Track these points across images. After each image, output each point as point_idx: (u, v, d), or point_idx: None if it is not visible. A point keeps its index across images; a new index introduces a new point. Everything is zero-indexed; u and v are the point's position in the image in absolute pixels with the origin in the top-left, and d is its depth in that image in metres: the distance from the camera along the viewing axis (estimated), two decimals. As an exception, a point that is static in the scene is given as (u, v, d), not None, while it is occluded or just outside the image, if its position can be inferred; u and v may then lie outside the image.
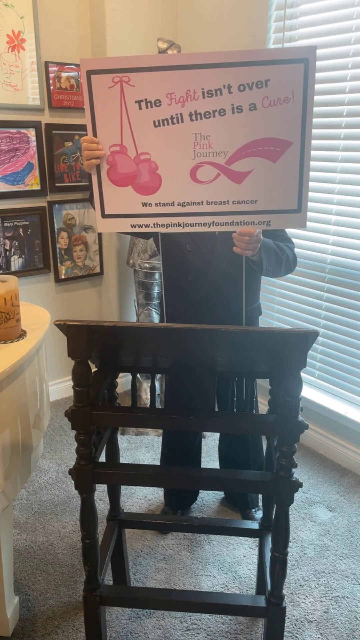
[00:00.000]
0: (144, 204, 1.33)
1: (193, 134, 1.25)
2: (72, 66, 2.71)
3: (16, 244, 2.77)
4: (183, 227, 1.36)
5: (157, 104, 1.24)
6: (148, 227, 1.37)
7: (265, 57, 1.20)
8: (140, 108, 1.24)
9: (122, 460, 2.51)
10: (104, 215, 1.37)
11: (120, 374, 3.04)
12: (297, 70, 1.20)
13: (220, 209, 1.33)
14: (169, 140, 1.26)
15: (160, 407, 2.77)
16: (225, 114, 1.22)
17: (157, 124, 1.25)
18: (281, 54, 1.20)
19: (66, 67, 2.69)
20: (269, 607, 1.42)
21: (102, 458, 1.55)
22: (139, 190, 1.32)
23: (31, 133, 2.67)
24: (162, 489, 2.30)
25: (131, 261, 2.76)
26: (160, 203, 1.33)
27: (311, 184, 2.47)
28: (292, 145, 1.27)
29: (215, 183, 1.29)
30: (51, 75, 2.65)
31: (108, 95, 1.27)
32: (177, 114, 1.23)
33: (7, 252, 2.75)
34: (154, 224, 1.36)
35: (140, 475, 1.40)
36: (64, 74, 2.70)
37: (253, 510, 2.21)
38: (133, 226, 1.37)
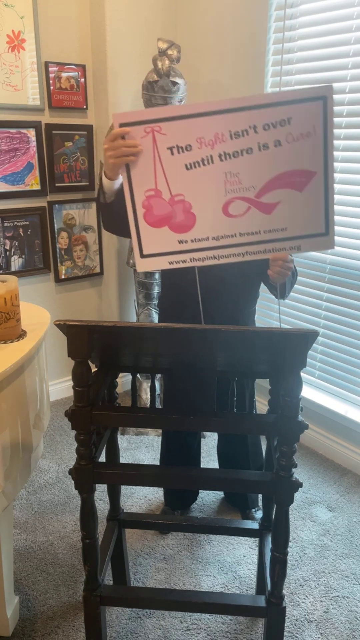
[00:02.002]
0: (180, 242, 1.41)
1: (223, 172, 1.34)
2: (72, 66, 2.71)
3: (16, 244, 2.77)
4: (218, 259, 1.43)
5: (188, 149, 1.32)
6: (185, 262, 1.43)
7: (287, 98, 1.29)
8: (172, 154, 1.33)
9: (122, 460, 2.51)
10: (142, 256, 1.44)
11: (120, 374, 3.04)
12: (316, 107, 1.30)
13: (253, 239, 1.40)
14: (201, 181, 1.35)
15: (160, 407, 2.77)
16: (253, 152, 1.32)
17: (188, 166, 1.34)
18: (301, 94, 1.29)
19: (66, 67, 2.69)
20: (269, 607, 1.42)
21: (102, 458, 1.55)
22: (174, 229, 1.39)
23: (31, 133, 2.67)
24: (162, 489, 2.30)
25: (131, 261, 2.76)
26: (195, 239, 1.40)
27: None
28: (316, 174, 1.35)
29: (246, 216, 1.37)
30: (51, 75, 2.65)
31: (141, 145, 1.34)
32: (207, 156, 1.33)
33: (7, 252, 2.76)
34: (190, 259, 1.42)
35: (140, 475, 1.40)
36: (64, 74, 2.70)
37: (253, 510, 2.21)
38: (170, 263, 1.43)
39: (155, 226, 1.39)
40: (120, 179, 1.40)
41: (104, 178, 1.46)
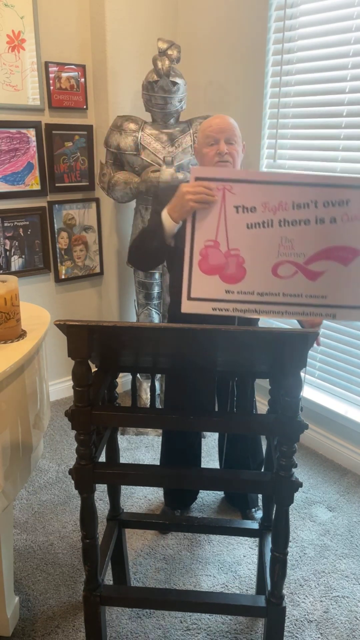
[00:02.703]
0: (227, 291, 1.51)
1: (279, 237, 1.46)
2: (72, 66, 2.71)
3: (16, 244, 2.77)
4: (259, 313, 1.52)
5: (252, 210, 1.45)
6: (227, 311, 1.52)
7: (350, 183, 1.42)
8: (237, 212, 1.45)
9: (122, 460, 2.51)
10: (189, 298, 1.53)
11: (120, 374, 3.04)
12: None
13: (294, 301, 1.51)
14: (258, 240, 1.47)
15: (160, 407, 2.77)
16: (309, 224, 1.45)
17: (249, 226, 1.46)
18: None
19: (66, 67, 2.69)
20: (269, 607, 1.42)
21: (102, 458, 1.55)
22: (224, 279, 1.50)
23: (31, 133, 2.67)
24: (162, 489, 2.30)
25: (131, 261, 2.76)
26: (241, 291, 1.51)
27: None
28: None
29: (292, 279, 1.49)
30: (51, 75, 2.65)
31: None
32: (268, 220, 1.45)
33: (7, 252, 2.76)
34: (233, 309, 1.51)
35: (140, 475, 1.40)
36: (64, 74, 2.70)
37: (253, 510, 2.21)
38: (214, 309, 1.52)
39: (207, 273, 1.50)
40: (175, 225, 1.57)
41: (167, 220, 1.59)
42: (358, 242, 1.46)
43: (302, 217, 1.44)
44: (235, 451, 2.14)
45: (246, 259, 1.48)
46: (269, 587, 1.42)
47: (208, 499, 2.34)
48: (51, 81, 2.66)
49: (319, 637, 1.71)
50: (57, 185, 2.83)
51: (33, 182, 2.74)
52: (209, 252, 1.48)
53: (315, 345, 1.72)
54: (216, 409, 1.93)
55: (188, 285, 1.51)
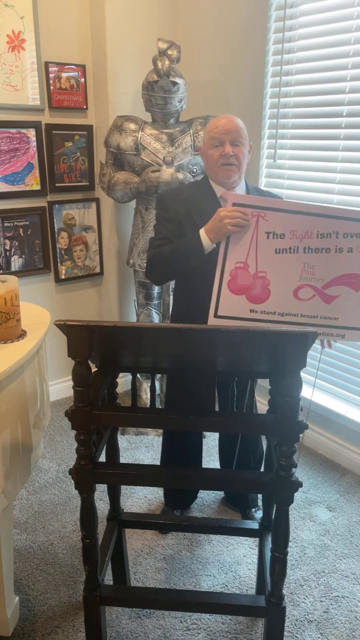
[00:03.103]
0: (252, 310, 1.64)
1: (303, 262, 1.60)
2: (72, 66, 2.71)
3: (16, 244, 2.77)
4: None
5: (282, 237, 1.58)
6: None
7: None
8: (267, 237, 1.58)
9: (122, 460, 2.51)
10: (215, 316, 1.64)
11: (120, 374, 3.04)
12: None
13: (310, 321, 1.66)
14: (284, 265, 1.60)
15: (160, 407, 2.77)
16: (330, 252, 1.59)
17: (277, 251, 1.59)
18: None
19: (66, 67, 2.69)
20: (269, 607, 1.42)
21: (102, 458, 1.55)
22: (250, 299, 1.63)
23: (31, 133, 2.67)
24: (162, 489, 2.30)
25: (131, 261, 2.76)
26: (264, 311, 1.64)
27: (311, 183, 2.47)
28: None
29: (310, 301, 1.64)
30: (51, 75, 2.65)
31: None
32: (295, 247, 1.59)
33: (7, 252, 2.76)
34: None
35: (140, 475, 1.40)
36: (64, 74, 2.70)
37: (253, 510, 2.21)
38: None
39: (235, 293, 1.63)
40: (211, 246, 1.66)
41: (205, 240, 1.67)
42: None
43: (324, 246, 1.59)
44: (235, 448, 2.14)
45: (272, 281, 1.61)
46: (269, 587, 1.42)
47: (208, 499, 2.34)
48: (51, 81, 2.66)
49: (319, 637, 1.71)
50: (57, 185, 2.83)
51: (33, 182, 2.74)
52: (239, 273, 1.61)
53: (327, 348, 1.79)
54: (217, 409, 1.93)
55: (216, 304, 1.63)
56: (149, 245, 1.84)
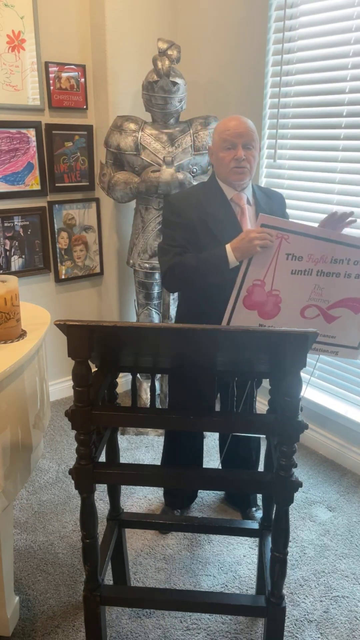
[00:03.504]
0: (260, 325, 1.72)
1: (314, 284, 1.69)
2: (72, 66, 2.71)
3: (16, 244, 2.77)
4: None
5: (299, 259, 1.66)
6: None
7: None
8: (287, 259, 1.66)
9: (122, 460, 2.51)
10: None
11: (120, 374, 3.04)
12: None
13: None
14: (297, 285, 1.69)
15: (160, 407, 2.77)
16: (339, 277, 1.69)
17: (293, 272, 1.67)
18: None
19: (66, 67, 2.69)
20: (269, 607, 1.42)
21: (102, 458, 1.55)
22: (261, 314, 1.71)
23: (31, 133, 2.67)
24: (162, 488, 2.30)
25: (131, 261, 2.76)
26: (272, 327, 1.65)
27: (311, 183, 2.48)
28: None
29: (314, 320, 1.73)
30: (51, 75, 2.65)
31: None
32: (309, 269, 1.67)
33: (7, 252, 2.76)
34: None
35: (140, 475, 1.40)
36: (64, 74, 2.70)
37: (253, 509, 2.21)
38: None
39: (248, 308, 1.70)
40: (236, 263, 1.69)
41: (230, 257, 1.70)
42: None
43: (335, 270, 1.68)
44: (236, 447, 2.14)
45: (283, 300, 1.69)
46: (269, 587, 1.43)
47: (208, 499, 2.34)
48: (51, 81, 2.66)
49: (319, 637, 1.71)
50: (57, 185, 2.83)
51: (33, 182, 2.74)
52: (255, 290, 1.69)
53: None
54: (217, 409, 1.93)
55: (229, 317, 1.71)
56: (162, 251, 1.82)
